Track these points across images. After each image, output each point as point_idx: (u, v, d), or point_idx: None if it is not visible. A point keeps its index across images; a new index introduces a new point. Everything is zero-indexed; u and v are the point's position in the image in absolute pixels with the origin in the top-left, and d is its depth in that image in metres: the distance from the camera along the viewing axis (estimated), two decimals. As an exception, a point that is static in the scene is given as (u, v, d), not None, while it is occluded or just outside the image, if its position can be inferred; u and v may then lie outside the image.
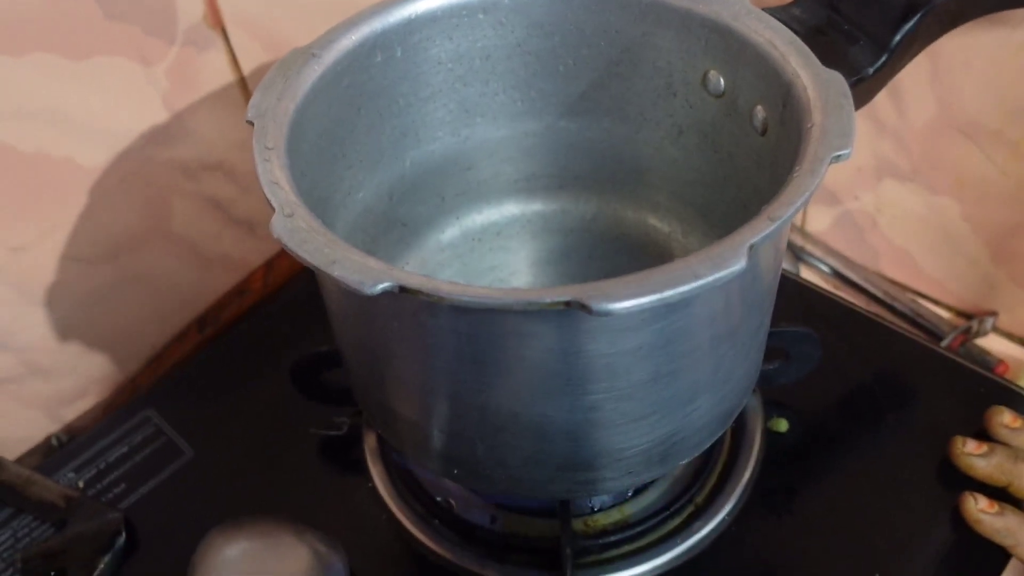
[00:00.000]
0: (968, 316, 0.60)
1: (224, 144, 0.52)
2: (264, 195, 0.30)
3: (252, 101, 0.34)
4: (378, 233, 0.44)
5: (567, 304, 0.25)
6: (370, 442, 0.46)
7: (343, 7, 0.53)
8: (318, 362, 0.43)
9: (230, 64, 0.50)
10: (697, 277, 0.25)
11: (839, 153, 0.29)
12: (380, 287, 0.26)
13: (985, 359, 0.57)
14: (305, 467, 0.46)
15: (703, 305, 0.29)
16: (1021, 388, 0.46)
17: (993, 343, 0.59)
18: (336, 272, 0.26)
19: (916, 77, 0.52)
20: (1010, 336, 0.59)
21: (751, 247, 0.26)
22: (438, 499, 0.43)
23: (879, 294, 0.61)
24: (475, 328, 0.29)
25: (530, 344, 0.29)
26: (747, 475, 0.43)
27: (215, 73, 0.50)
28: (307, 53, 0.36)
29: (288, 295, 0.57)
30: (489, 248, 0.48)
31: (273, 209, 0.29)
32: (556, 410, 0.31)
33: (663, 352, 0.30)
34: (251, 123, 0.33)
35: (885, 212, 0.60)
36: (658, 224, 0.47)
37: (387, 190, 0.43)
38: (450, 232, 0.47)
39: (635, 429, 0.32)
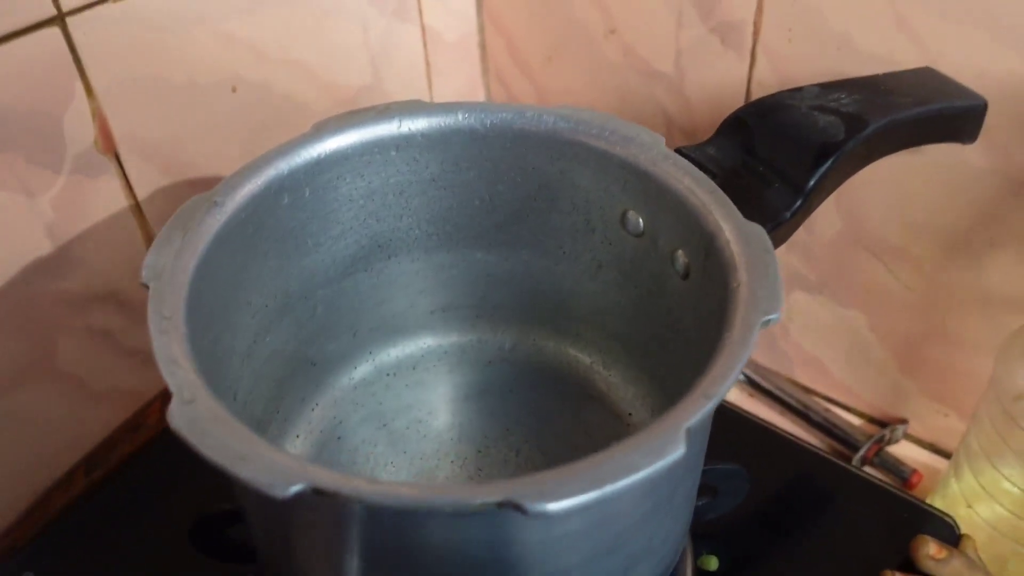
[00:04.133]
0: (880, 423, 0.61)
1: (116, 273, 0.49)
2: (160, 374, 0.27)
3: (147, 261, 0.31)
4: (285, 376, 0.41)
5: (499, 505, 0.23)
6: (279, 599, 0.42)
7: (243, 128, 0.51)
8: (221, 521, 0.39)
9: (124, 190, 0.47)
10: (636, 469, 0.24)
11: (768, 318, 0.28)
12: (293, 490, 0.24)
13: (900, 468, 0.58)
14: (207, 633, 0.42)
15: (638, 488, 0.28)
16: (939, 511, 0.46)
17: (905, 450, 0.60)
18: (243, 473, 0.24)
19: (821, 196, 0.53)
20: (920, 443, 0.60)
21: (688, 430, 0.25)
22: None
23: (793, 403, 0.62)
24: (397, 524, 0.26)
25: (456, 537, 0.27)
26: (680, 620, 0.41)
27: (107, 200, 0.47)
28: (208, 201, 0.34)
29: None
30: (405, 384, 0.45)
31: (171, 393, 0.27)
32: (486, 596, 0.29)
33: (598, 533, 0.28)
34: (146, 286, 0.30)
35: (796, 321, 0.61)
36: (579, 355, 0.46)
37: (295, 331, 0.41)
38: (363, 368, 0.45)
39: (570, 607, 0.30)
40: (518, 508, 0.23)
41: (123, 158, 0.46)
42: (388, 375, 0.45)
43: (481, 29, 0.65)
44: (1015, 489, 0.47)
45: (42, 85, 0.42)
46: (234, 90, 0.50)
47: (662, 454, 0.24)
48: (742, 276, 0.30)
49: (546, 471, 0.24)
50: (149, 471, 0.50)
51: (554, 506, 0.23)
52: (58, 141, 0.43)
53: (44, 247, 0.45)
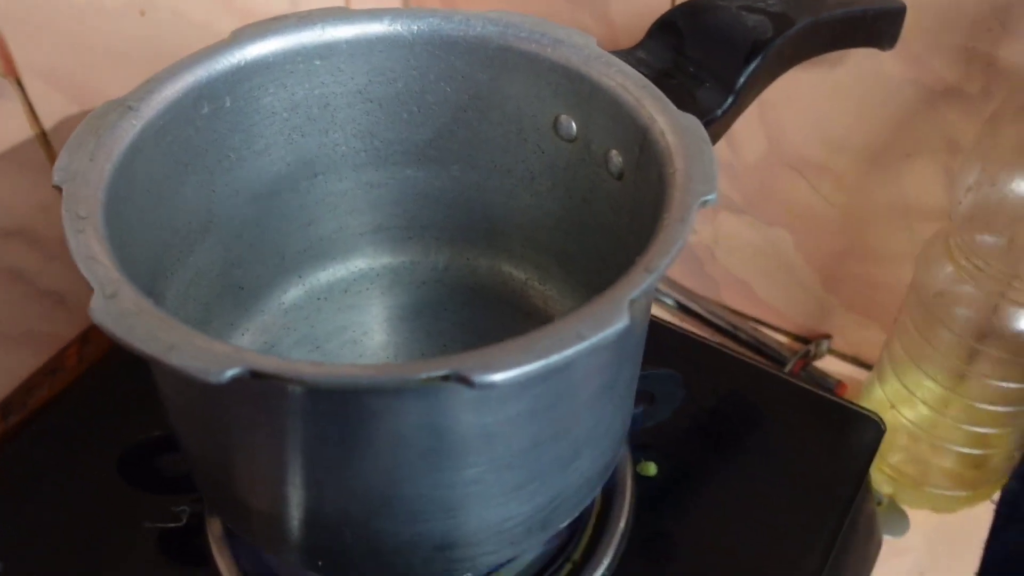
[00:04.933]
0: (805, 340, 0.63)
1: (25, 208, 0.46)
2: (80, 272, 0.26)
3: (59, 163, 0.29)
4: (211, 300, 0.40)
5: (446, 378, 0.23)
6: (214, 530, 0.41)
7: (154, 56, 0.49)
8: (150, 449, 0.38)
9: (28, 118, 0.45)
10: (582, 338, 0.24)
11: (705, 198, 0.29)
12: (229, 374, 0.23)
13: (825, 381, 0.59)
14: (141, 567, 0.41)
15: (584, 364, 0.28)
16: (865, 409, 0.47)
17: (829, 364, 0.62)
18: (175, 360, 0.23)
19: (746, 116, 0.54)
20: (844, 357, 0.62)
21: (631, 302, 0.25)
22: (297, 587, 0.39)
23: (723, 324, 0.63)
24: (340, 409, 0.26)
25: (402, 421, 0.26)
26: (622, 525, 0.41)
27: (10, 129, 0.44)
28: (122, 106, 0.32)
29: (109, 369, 0.51)
30: (337, 308, 0.44)
31: (91, 288, 0.25)
32: (432, 488, 0.28)
33: (544, 416, 0.28)
34: (59, 188, 0.29)
35: (722, 244, 0.62)
36: (513, 272, 0.45)
37: (220, 252, 0.39)
38: (293, 293, 0.44)
39: (516, 498, 0.30)
40: (464, 380, 0.23)
41: (26, 83, 0.44)
42: (319, 299, 0.44)
43: (401, -43, 0.63)
44: (935, 386, 0.49)
45: (-70, 0, 0.39)
46: (142, 14, 0.48)
47: (607, 324, 0.24)
48: (678, 163, 0.30)
49: (491, 346, 0.24)
50: (69, 415, 0.48)
51: (500, 376, 0.23)
52: (-47, 62, 0.41)
53: (-57, 178, 0.42)
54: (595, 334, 0.24)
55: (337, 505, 0.29)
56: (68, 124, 0.47)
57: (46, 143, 0.46)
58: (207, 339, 0.24)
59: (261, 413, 0.27)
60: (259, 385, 0.23)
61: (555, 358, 0.23)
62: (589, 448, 0.32)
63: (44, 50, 0.44)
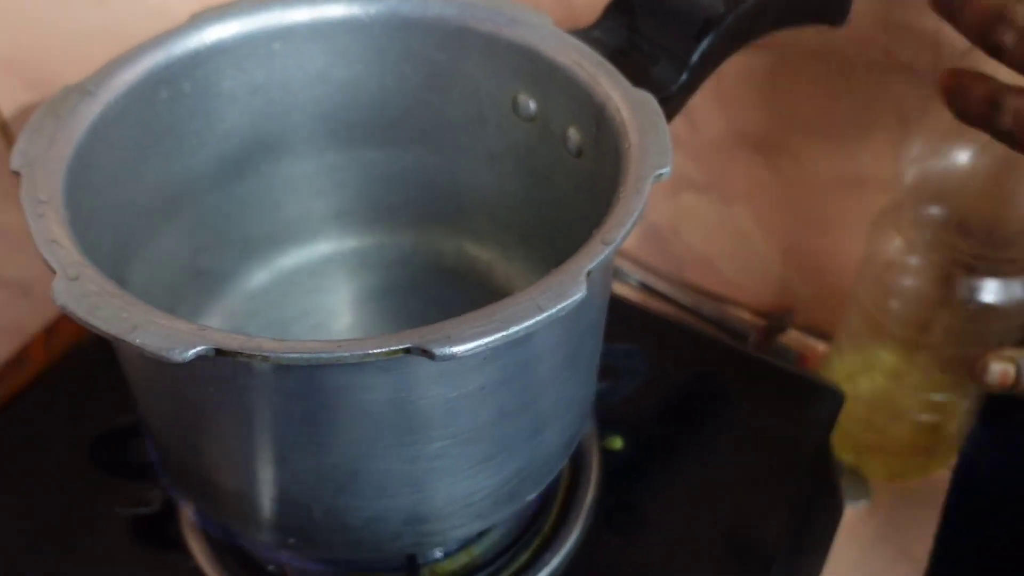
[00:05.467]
0: (768, 315, 0.64)
1: (-16, 197, 0.46)
2: (41, 256, 0.26)
3: (17, 147, 0.29)
4: (178, 285, 0.40)
5: (407, 351, 0.23)
6: (187, 515, 0.42)
7: (117, 39, 0.49)
8: (121, 436, 0.38)
9: (-16, 106, 0.44)
10: (541, 310, 0.24)
11: (660, 172, 0.29)
12: (192, 352, 0.23)
13: (787, 354, 0.61)
14: (114, 554, 0.41)
15: (544, 336, 0.28)
16: (824, 380, 0.49)
17: (792, 339, 0.63)
18: (139, 339, 0.23)
19: (705, 96, 0.55)
20: (806, 330, 0.63)
21: (589, 273, 0.26)
22: (270, 568, 0.39)
23: (686, 302, 0.64)
24: (305, 386, 0.26)
25: (367, 396, 0.26)
26: (590, 498, 0.42)
27: (-34, 117, 0.44)
28: (81, 90, 0.32)
29: (76, 360, 0.50)
30: (304, 291, 0.45)
31: (54, 272, 0.25)
32: (398, 462, 0.29)
33: (508, 388, 0.29)
34: (17, 173, 0.29)
35: (685, 223, 0.63)
36: (478, 252, 0.46)
37: (185, 237, 0.39)
38: (259, 277, 0.44)
39: (482, 471, 0.31)
40: (426, 353, 0.23)
41: (-18, 71, 0.44)
42: (286, 283, 0.44)
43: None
44: (891, 355, 0.50)
45: None
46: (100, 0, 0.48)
47: (565, 296, 0.25)
48: (633, 138, 0.31)
49: (450, 319, 0.24)
50: (37, 406, 0.48)
51: (461, 348, 0.23)
52: (-95, 50, 0.40)
53: (-102, 169, 0.42)
54: (553, 305, 0.24)
55: (304, 482, 0.30)
56: (28, 111, 0.46)
57: (4, 131, 0.46)
58: (171, 318, 0.24)
59: (226, 392, 0.27)
60: (223, 363, 0.24)
61: (514, 329, 0.24)
62: (553, 421, 0.32)
63: (1, 38, 0.43)
